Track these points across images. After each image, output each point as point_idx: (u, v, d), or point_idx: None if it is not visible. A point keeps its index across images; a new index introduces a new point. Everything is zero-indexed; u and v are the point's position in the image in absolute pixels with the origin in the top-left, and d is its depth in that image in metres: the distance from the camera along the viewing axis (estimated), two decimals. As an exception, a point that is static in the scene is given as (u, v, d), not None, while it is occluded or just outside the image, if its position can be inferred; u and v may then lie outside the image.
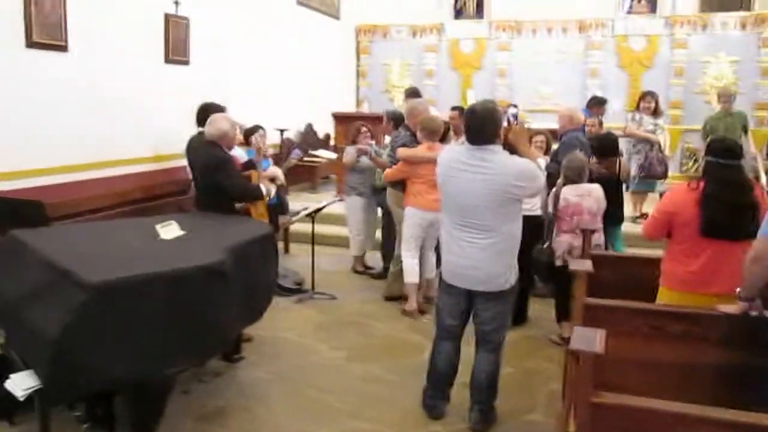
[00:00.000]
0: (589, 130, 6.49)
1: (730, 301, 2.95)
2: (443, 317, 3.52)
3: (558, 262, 4.65)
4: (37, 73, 5.26)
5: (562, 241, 4.64)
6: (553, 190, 4.74)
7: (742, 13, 10.06)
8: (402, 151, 5.25)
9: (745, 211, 3.09)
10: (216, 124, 4.36)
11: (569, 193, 4.65)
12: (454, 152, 3.43)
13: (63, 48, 5.45)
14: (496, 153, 3.23)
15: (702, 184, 3.21)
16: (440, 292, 3.56)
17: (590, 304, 3.10)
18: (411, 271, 5.28)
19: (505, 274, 3.33)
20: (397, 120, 6.20)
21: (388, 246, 5.97)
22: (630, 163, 7.12)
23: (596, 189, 4.73)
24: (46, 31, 5.27)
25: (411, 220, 5.21)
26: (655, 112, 7.57)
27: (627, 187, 6.75)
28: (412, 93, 7.80)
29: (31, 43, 5.16)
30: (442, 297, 3.52)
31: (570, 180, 4.71)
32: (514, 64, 10.95)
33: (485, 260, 3.25)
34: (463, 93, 10.97)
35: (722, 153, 3.19)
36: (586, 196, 4.64)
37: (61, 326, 2.63)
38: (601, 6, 10.44)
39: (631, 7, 10.57)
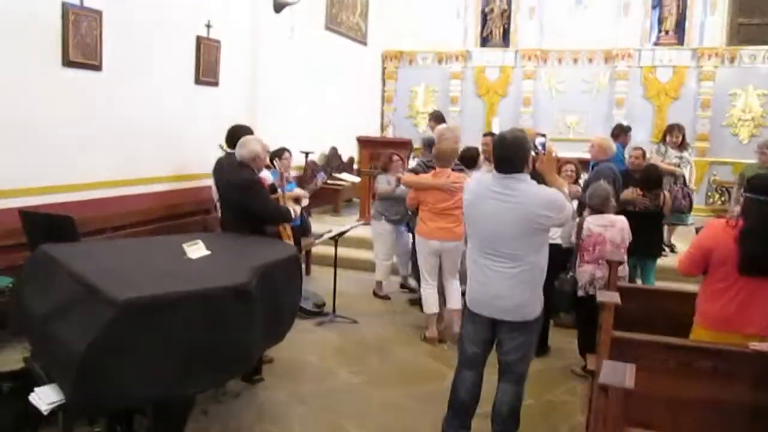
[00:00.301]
0: (632, 161, 6.43)
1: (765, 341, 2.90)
2: (466, 345, 3.47)
3: (580, 292, 4.61)
4: (72, 91, 5.37)
5: (585, 272, 4.61)
6: (577, 219, 4.71)
7: (769, 47, 10.02)
8: (404, 177, 5.34)
9: None
10: (249, 146, 4.38)
11: (592, 223, 4.63)
12: (482, 180, 3.42)
13: (97, 67, 5.57)
14: (524, 182, 3.22)
15: (741, 221, 3.17)
16: (464, 320, 3.53)
17: (617, 338, 3.05)
18: (428, 302, 5.24)
19: (531, 305, 3.29)
20: (431, 147, 6.25)
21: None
22: None
23: (620, 220, 4.69)
24: (81, 51, 5.39)
25: (418, 248, 5.22)
26: (681, 145, 7.47)
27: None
28: (437, 117, 7.84)
29: (67, 62, 5.28)
30: (466, 325, 3.48)
31: (594, 210, 4.68)
32: (539, 92, 10.99)
33: (511, 289, 3.22)
34: (487, 120, 11.02)
35: (763, 190, 3.15)
36: (609, 227, 4.61)
37: (87, 342, 2.64)
38: (627, 37, 10.44)
39: (657, 38, 10.56)
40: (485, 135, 6.62)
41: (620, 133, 7.53)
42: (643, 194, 5.65)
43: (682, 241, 7.20)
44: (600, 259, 4.54)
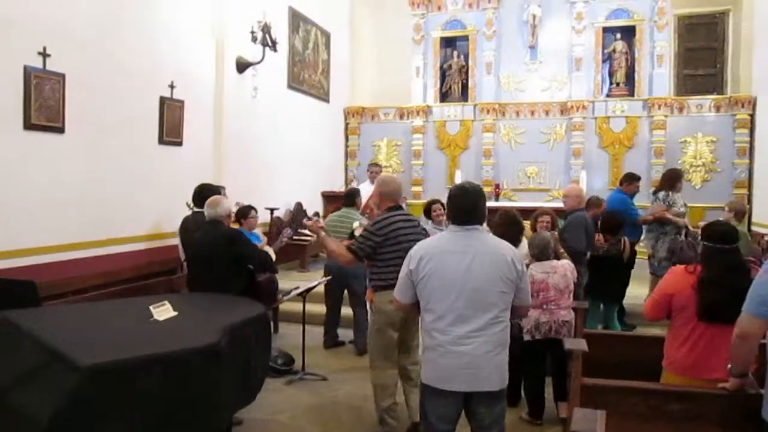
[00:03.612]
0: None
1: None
2: (435, 426, 3.05)
3: (526, 337, 4.66)
4: (34, 153, 5.33)
5: (530, 317, 4.65)
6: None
7: (716, 96, 10.51)
8: None
9: (744, 294, 3.05)
10: (223, 204, 4.69)
11: (535, 269, 4.71)
12: (435, 240, 3.19)
13: (60, 130, 5.55)
14: (486, 233, 3.11)
15: (699, 268, 3.27)
16: (427, 400, 3.07)
17: (587, 384, 3.08)
18: None
19: (505, 367, 3.02)
20: (348, 197, 6.61)
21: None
22: (658, 245, 6.71)
23: (562, 266, 4.79)
24: (44, 114, 5.38)
25: None
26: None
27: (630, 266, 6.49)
28: (350, 195, 6.97)
29: (29, 125, 5.25)
30: (431, 403, 3.05)
31: (535, 257, 4.79)
32: (499, 144, 11.25)
33: (489, 354, 2.94)
34: (450, 173, 11.21)
35: (719, 238, 3.26)
36: (552, 273, 4.71)
37: (52, 411, 2.56)
38: (581, 89, 10.84)
39: (610, 90, 10.98)
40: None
41: (628, 181, 7.10)
42: (605, 239, 5.83)
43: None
44: (544, 305, 4.63)
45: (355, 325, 6.50)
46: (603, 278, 5.89)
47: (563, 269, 4.76)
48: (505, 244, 3.12)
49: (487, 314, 2.93)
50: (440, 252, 3.02)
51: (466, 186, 3.17)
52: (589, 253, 5.83)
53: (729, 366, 2.88)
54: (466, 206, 3.07)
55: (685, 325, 3.26)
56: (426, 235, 4.21)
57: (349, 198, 6.59)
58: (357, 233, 6.15)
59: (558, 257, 4.94)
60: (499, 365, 2.98)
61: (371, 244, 4.18)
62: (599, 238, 5.88)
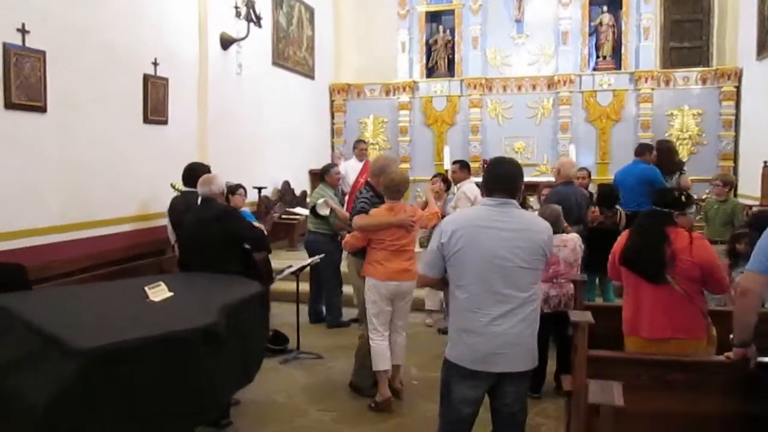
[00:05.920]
0: (579, 182, 6.45)
1: (657, 347, 3.20)
2: (458, 408, 2.93)
3: None
4: (15, 134, 5.18)
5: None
6: None
7: (702, 69, 10.50)
8: (358, 220, 4.54)
9: (652, 253, 3.29)
10: (216, 181, 4.60)
11: None
12: (473, 212, 3.10)
13: (42, 109, 5.40)
14: (520, 209, 2.97)
15: None
16: (453, 380, 2.94)
17: (590, 356, 3.07)
18: (381, 357, 4.51)
19: (536, 344, 2.94)
20: (322, 174, 6.73)
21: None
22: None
23: (571, 240, 4.77)
24: (24, 93, 5.22)
25: (372, 294, 4.51)
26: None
27: None
28: (322, 171, 7.04)
29: (9, 105, 5.10)
30: (459, 386, 2.92)
31: None
32: (486, 119, 11.19)
33: (522, 333, 2.84)
34: (437, 149, 11.16)
35: (656, 200, 3.51)
36: (563, 247, 4.70)
37: (48, 396, 2.50)
38: (568, 63, 10.77)
39: (596, 64, 10.94)
40: (454, 163, 6.82)
41: (644, 151, 6.83)
42: (601, 212, 5.82)
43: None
44: (554, 278, 4.63)
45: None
46: (599, 252, 5.82)
47: (573, 243, 4.76)
48: (541, 222, 3.03)
49: (521, 293, 2.82)
50: (473, 226, 2.88)
51: (507, 158, 3.14)
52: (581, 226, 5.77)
53: (731, 336, 2.88)
54: (505, 175, 2.94)
55: (626, 285, 3.50)
56: None
57: (323, 175, 6.79)
58: (319, 210, 6.29)
59: (565, 231, 4.92)
60: (532, 345, 2.90)
61: None
62: (595, 210, 5.86)
